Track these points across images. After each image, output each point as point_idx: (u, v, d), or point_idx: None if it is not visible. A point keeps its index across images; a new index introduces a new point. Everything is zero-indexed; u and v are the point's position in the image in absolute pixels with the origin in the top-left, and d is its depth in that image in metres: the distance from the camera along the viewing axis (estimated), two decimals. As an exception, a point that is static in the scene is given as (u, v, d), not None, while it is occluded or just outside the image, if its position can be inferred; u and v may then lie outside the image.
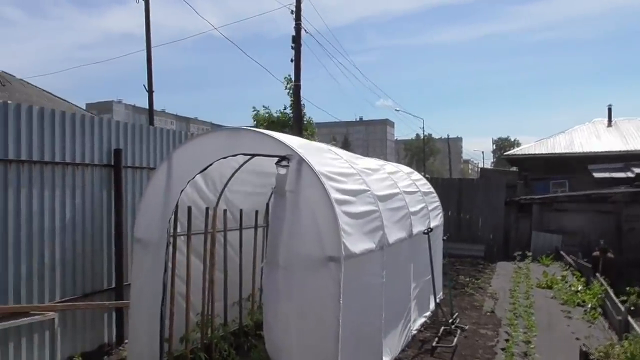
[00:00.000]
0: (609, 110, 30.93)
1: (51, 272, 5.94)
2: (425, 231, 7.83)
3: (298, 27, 17.41)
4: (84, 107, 25.82)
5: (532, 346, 7.40)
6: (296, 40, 17.37)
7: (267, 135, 5.25)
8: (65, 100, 15.59)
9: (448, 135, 61.51)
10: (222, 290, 6.61)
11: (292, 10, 17.55)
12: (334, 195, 4.89)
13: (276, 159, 4.96)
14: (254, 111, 19.67)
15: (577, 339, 8.14)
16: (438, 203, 10.14)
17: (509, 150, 46.61)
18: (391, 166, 9.22)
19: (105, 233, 6.72)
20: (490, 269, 14.81)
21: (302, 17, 17.60)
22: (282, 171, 4.83)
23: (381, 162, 8.97)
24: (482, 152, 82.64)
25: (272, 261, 4.83)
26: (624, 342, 6.54)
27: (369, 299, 5.73)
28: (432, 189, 10.17)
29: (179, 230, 5.84)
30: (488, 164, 78.36)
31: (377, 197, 6.18)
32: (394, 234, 6.58)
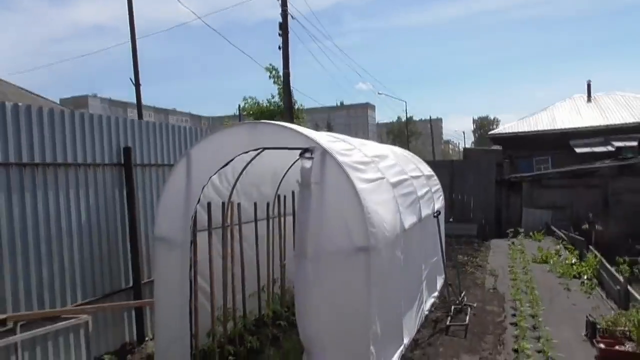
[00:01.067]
0: (588, 85, 31.53)
1: (71, 274, 5.93)
2: (435, 214, 7.98)
3: (285, 14, 17.27)
4: (58, 103, 25.24)
5: (539, 319, 7.66)
6: (283, 27, 17.24)
7: (287, 127, 5.28)
8: (41, 97, 15.23)
9: (430, 116, 61.94)
10: (240, 283, 6.67)
11: (278, -5, 17.39)
12: (359, 185, 4.97)
13: (299, 151, 5.00)
14: (243, 101, 19.56)
15: (579, 310, 8.48)
16: (439, 185, 10.32)
17: (490, 128, 47.31)
18: (393, 150, 9.33)
19: (120, 232, 6.71)
20: (486, 247, 15.16)
21: (287, 3, 17.47)
22: (307, 164, 4.88)
23: (384, 146, 9.07)
24: (463, 132, 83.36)
25: (300, 254, 4.90)
26: (632, 310, 6.82)
27: (391, 284, 5.86)
28: (432, 172, 10.33)
29: (198, 226, 5.86)
30: (469, 144, 79.37)
31: (391, 184, 6.30)
32: (408, 219, 6.71)
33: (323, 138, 5.29)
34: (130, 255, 6.79)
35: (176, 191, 5.58)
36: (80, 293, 6.02)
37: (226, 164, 5.43)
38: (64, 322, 4.50)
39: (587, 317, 7.41)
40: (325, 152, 4.95)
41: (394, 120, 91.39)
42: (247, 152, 5.40)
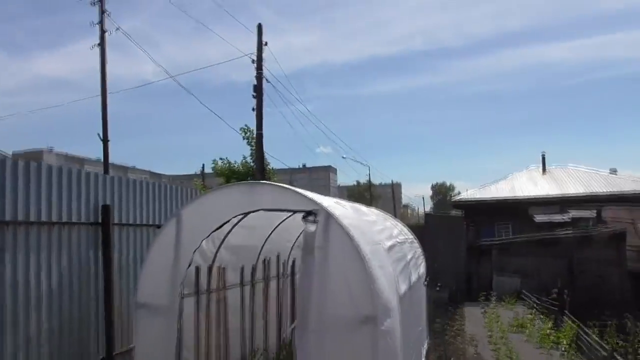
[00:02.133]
0: (543, 158, 33.24)
1: (38, 346, 5.28)
2: (425, 282, 7.79)
3: (259, 77, 17.49)
4: (10, 156, 24.21)
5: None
6: (258, 89, 17.39)
7: (288, 189, 5.08)
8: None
9: (392, 180, 63.21)
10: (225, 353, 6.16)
11: (252, 60, 17.68)
12: (364, 250, 4.75)
13: (301, 214, 4.78)
14: (213, 162, 19.26)
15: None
16: (421, 249, 10.21)
17: (447, 195, 48.52)
18: (376, 212, 9.22)
19: (93, 297, 6.12)
20: (460, 314, 14.97)
21: (262, 67, 17.77)
22: (312, 227, 4.65)
23: (367, 208, 8.95)
24: (423, 197, 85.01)
25: (302, 325, 4.55)
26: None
27: (390, 355, 5.52)
28: (413, 237, 10.24)
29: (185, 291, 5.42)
30: (427, 208, 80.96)
31: (386, 249, 6.10)
32: (402, 286, 6.46)
33: (325, 201, 5.10)
34: (103, 323, 6.16)
35: (164, 253, 5.18)
36: (46, 366, 5.34)
37: (221, 226, 5.13)
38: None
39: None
40: (329, 216, 4.74)
41: (354, 184, 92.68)
42: (246, 214, 5.11)
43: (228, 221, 5.12)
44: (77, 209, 6.02)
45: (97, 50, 21.06)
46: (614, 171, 32.08)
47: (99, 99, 19.65)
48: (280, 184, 5.30)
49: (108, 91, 19.76)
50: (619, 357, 8.20)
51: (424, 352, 9.18)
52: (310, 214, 4.72)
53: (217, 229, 5.12)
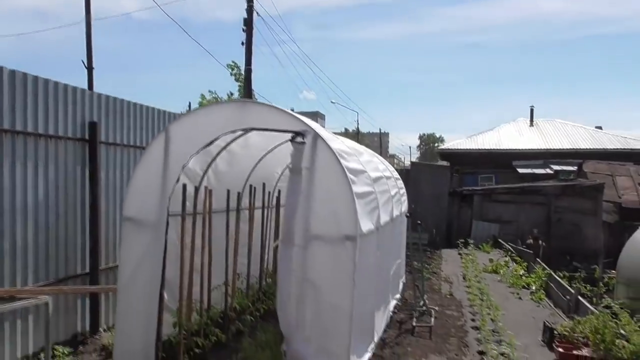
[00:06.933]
0: (531, 111, 33.31)
1: (23, 253, 5.37)
2: (407, 214, 7.99)
3: (250, 9, 16.94)
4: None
5: (499, 324, 7.81)
6: (248, 22, 16.90)
7: (279, 109, 5.07)
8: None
9: (380, 129, 63.08)
10: (207, 274, 6.33)
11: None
12: (350, 173, 4.84)
13: (289, 134, 4.81)
14: (201, 97, 18.94)
15: (533, 317, 8.77)
16: (404, 189, 10.39)
17: (435, 145, 48.80)
18: (364, 148, 9.29)
19: (79, 213, 6.18)
20: (438, 256, 15.45)
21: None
22: (300, 148, 4.70)
23: (355, 143, 9.01)
24: (410, 147, 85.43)
25: (287, 240, 4.70)
26: (590, 316, 7.08)
27: (367, 278, 5.75)
28: (398, 176, 10.39)
29: (170, 211, 5.48)
30: (414, 159, 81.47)
31: (372, 179, 6.21)
32: (383, 216, 6.64)
33: (313, 123, 5.12)
34: (89, 239, 6.26)
35: (151, 169, 5.20)
36: (32, 276, 5.46)
37: (210, 143, 5.13)
38: (22, 302, 4.02)
39: (544, 323, 7.64)
40: (317, 137, 4.79)
41: (342, 131, 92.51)
42: (233, 132, 5.12)
43: (217, 138, 5.12)
44: (63, 123, 5.96)
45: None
46: (599, 128, 32.43)
47: (83, 34, 18.85)
48: (271, 104, 5.29)
49: (93, 18, 18.95)
50: (583, 300, 8.63)
51: (401, 285, 9.57)
52: (298, 135, 4.76)
53: (207, 145, 5.13)
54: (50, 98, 5.76)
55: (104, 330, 6.31)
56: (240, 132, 6.18)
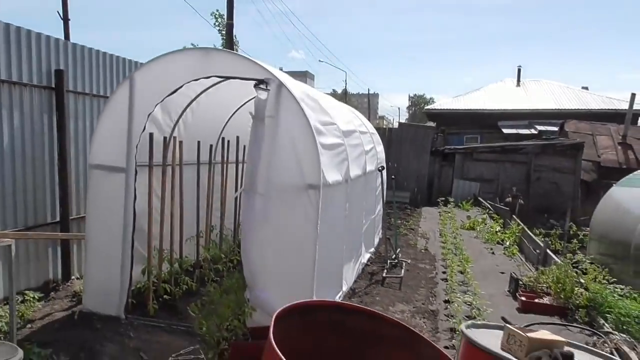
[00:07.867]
0: (519, 71, 33.16)
1: (-10, 201, 5.37)
2: (380, 168, 8.06)
3: (232, -40, 16.43)
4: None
5: (468, 275, 8.05)
6: (230, -26, 16.42)
7: (243, 57, 5.01)
8: None
9: (369, 90, 62.49)
10: (178, 225, 6.39)
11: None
12: (315, 122, 4.84)
13: (252, 82, 4.76)
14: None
15: (503, 270, 9.03)
16: (382, 146, 10.43)
17: (424, 106, 48.62)
18: (340, 103, 9.25)
19: (47, 162, 6.14)
20: (418, 214, 15.69)
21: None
22: (263, 95, 4.67)
23: (331, 99, 8.96)
24: (399, 108, 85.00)
25: (250, 188, 4.73)
26: (553, 266, 7.32)
27: (335, 229, 5.86)
28: (376, 132, 10.41)
29: (137, 161, 5.47)
30: (403, 120, 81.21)
31: (342, 132, 6.23)
32: (354, 170, 6.71)
33: (279, 72, 5.07)
34: (58, 188, 6.25)
35: (117, 116, 5.16)
36: (-1, 222, 5.49)
37: (175, 91, 5.08)
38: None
39: (511, 274, 7.89)
40: (281, 85, 4.75)
41: (331, 92, 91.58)
42: (197, 80, 5.06)
43: (181, 86, 5.06)
44: (28, 69, 5.83)
45: None
46: (585, 89, 32.45)
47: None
48: (235, 52, 5.21)
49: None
50: (551, 253, 8.87)
51: (377, 240, 9.75)
52: (262, 82, 4.72)
53: (171, 93, 5.07)
54: (13, 44, 5.61)
55: (77, 279, 6.40)
56: (210, 84, 6.12)
